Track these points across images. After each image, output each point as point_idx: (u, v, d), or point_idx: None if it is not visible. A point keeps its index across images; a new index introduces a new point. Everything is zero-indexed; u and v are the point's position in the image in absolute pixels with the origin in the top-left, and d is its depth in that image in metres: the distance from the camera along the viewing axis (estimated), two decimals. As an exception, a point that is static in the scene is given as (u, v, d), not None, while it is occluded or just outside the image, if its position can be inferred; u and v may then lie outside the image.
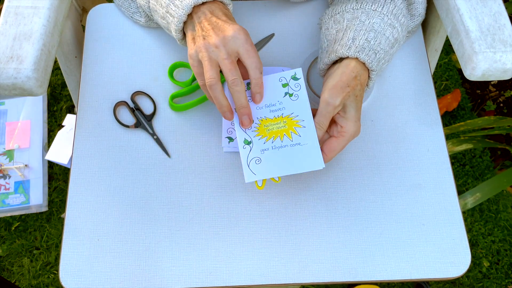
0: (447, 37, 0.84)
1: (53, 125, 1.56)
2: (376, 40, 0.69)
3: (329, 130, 0.69)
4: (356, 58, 0.68)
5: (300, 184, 0.73)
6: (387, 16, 0.71)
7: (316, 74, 0.80)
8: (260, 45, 0.83)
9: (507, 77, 0.73)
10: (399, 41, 0.73)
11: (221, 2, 0.69)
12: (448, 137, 1.48)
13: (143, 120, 0.77)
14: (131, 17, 0.83)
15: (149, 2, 0.74)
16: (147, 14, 0.81)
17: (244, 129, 0.68)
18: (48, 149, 1.38)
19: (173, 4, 0.68)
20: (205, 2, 0.67)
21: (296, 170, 0.66)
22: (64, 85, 1.62)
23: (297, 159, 0.66)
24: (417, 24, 0.81)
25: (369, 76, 0.71)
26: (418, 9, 0.78)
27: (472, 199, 1.11)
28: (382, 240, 0.70)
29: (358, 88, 0.67)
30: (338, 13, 0.75)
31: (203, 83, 0.66)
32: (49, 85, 1.18)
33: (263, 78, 0.68)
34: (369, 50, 0.68)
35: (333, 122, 0.69)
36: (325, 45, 0.75)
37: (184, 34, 0.71)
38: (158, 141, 0.76)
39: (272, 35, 0.84)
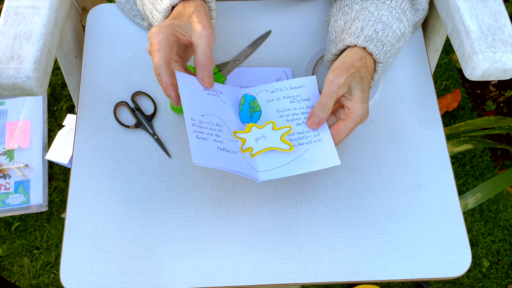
0: (447, 37, 0.84)
1: (53, 125, 1.56)
2: (384, 32, 0.69)
3: (337, 114, 0.69)
4: (364, 48, 0.68)
5: (300, 184, 0.73)
6: (395, 9, 0.71)
7: (321, 75, 0.80)
8: (257, 43, 0.83)
9: (507, 77, 0.73)
10: (405, 36, 0.73)
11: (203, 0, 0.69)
12: (448, 137, 1.48)
13: (144, 120, 0.77)
14: (133, 19, 0.84)
15: (144, 5, 0.75)
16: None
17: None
18: (48, 149, 1.38)
19: (155, 9, 0.70)
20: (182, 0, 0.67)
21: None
22: (64, 85, 1.62)
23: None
24: (421, 18, 0.81)
25: (375, 68, 0.70)
26: (421, 3, 0.78)
27: (473, 199, 1.11)
28: (382, 240, 0.70)
29: (363, 70, 0.67)
30: (347, 5, 0.75)
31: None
32: (49, 85, 1.18)
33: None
34: (377, 41, 0.68)
35: (341, 106, 0.68)
36: (333, 37, 0.75)
37: None
38: (159, 141, 0.76)
39: (269, 33, 0.84)
